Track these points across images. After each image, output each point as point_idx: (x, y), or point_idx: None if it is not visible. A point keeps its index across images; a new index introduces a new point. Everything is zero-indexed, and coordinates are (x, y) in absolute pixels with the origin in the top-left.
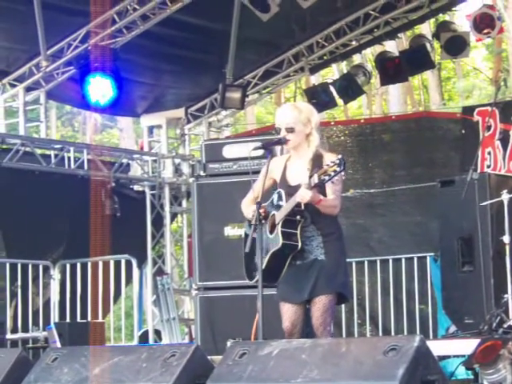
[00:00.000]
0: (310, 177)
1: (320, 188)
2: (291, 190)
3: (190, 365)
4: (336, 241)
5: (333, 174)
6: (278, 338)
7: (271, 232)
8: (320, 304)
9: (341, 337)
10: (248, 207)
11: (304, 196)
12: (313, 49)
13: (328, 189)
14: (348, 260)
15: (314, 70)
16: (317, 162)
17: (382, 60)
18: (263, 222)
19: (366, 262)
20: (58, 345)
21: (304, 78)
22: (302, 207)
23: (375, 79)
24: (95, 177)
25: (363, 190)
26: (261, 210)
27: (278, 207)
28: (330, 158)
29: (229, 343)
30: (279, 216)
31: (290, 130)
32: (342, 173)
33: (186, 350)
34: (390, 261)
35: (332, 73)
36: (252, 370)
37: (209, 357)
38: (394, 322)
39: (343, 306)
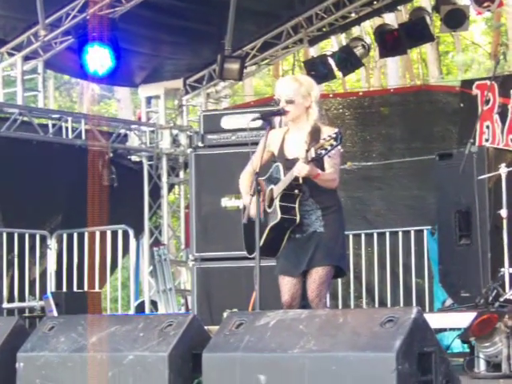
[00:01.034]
0: (307, 151)
1: (318, 162)
2: (289, 164)
3: (186, 334)
4: (335, 214)
5: (329, 148)
6: (275, 309)
7: (269, 206)
8: (316, 276)
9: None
10: (245, 181)
11: (301, 170)
12: (312, 20)
13: (326, 163)
14: (345, 233)
15: (312, 41)
16: (315, 135)
17: (381, 32)
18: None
19: (362, 235)
20: (55, 314)
21: (302, 50)
22: (301, 181)
23: (374, 52)
24: (93, 147)
25: (361, 162)
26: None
27: (276, 181)
28: (327, 132)
29: (225, 314)
30: (277, 190)
31: (290, 102)
32: (339, 147)
33: (183, 319)
34: (387, 234)
35: (331, 45)
36: (249, 341)
37: (206, 327)
38: (391, 295)
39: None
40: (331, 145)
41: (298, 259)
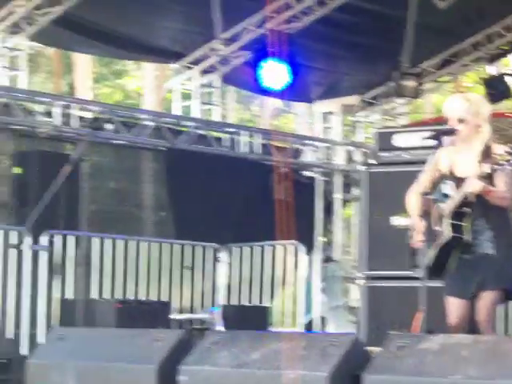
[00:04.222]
0: (481, 166)
1: (490, 179)
2: (460, 182)
3: (347, 355)
4: (506, 235)
5: (505, 163)
6: (441, 332)
7: (438, 225)
8: (487, 299)
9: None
10: (412, 201)
11: (474, 186)
12: (491, 38)
13: (498, 180)
14: None
15: (492, 59)
16: (487, 153)
17: None
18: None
19: None
20: (221, 328)
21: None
22: (472, 199)
23: None
24: (271, 162)
25: None
26: (427, 202)
27: (446, 199)
28: (500, 150)
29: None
30: (447, 208)
31: (461, 121)
32: None
33: (345, 339)
34: None
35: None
36: (409, 364)
37: (368, 348)
38: None
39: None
40: (507, 160)
41: (467, 281)
